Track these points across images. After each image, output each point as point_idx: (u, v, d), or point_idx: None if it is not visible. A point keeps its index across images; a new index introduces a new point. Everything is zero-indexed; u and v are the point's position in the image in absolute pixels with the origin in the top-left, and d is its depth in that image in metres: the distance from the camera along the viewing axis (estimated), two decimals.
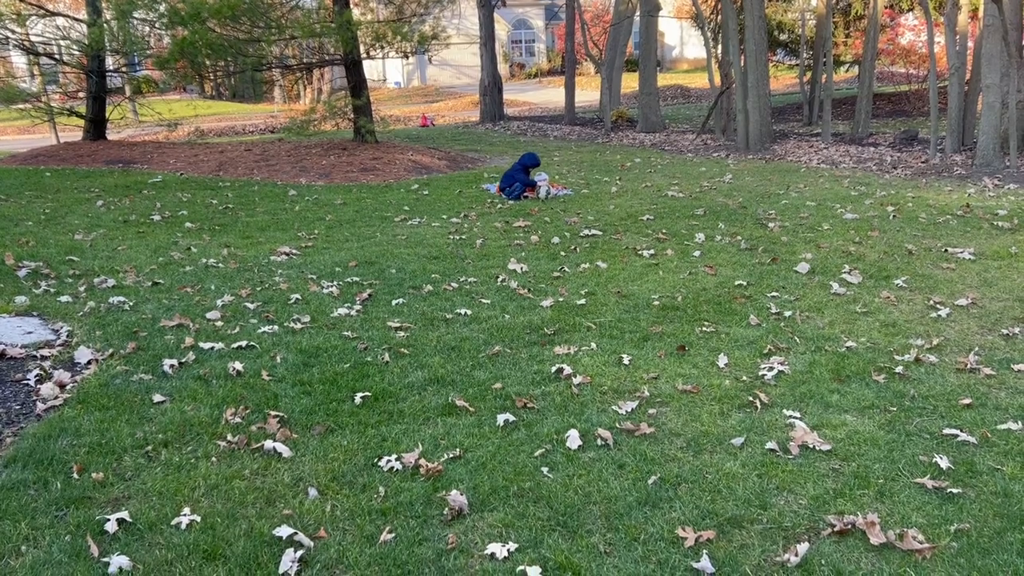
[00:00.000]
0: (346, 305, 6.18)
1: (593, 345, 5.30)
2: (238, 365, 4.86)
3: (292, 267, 7.43)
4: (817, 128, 19.92)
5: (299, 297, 6.40)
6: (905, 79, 27.11)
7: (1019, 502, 3.32)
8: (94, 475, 3.58)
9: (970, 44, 16.20)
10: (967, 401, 4.31)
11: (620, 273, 7.13)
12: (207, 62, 16.42)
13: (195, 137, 21.84)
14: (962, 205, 9.81)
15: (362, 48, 16.04)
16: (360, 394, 4.47)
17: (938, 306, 5.95)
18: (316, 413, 4.27)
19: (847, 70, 30.78)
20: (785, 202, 10.42)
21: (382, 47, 16.06)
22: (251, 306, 6.15)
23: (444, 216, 10.02)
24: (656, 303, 6.20)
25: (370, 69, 40.74)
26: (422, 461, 3.70)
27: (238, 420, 4.16)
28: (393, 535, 3.16)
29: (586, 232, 8.83)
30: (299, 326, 5.69)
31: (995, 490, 3.43)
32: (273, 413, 4.21)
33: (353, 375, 4.79)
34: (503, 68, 40.49)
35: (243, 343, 5.29)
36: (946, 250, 7.61)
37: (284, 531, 3.14)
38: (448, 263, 7.60)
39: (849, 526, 3.15)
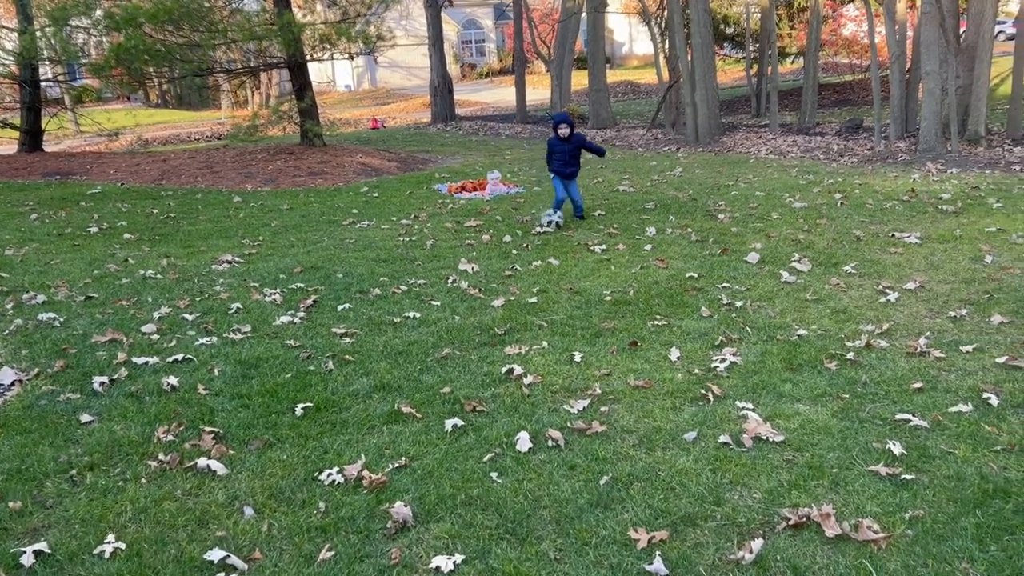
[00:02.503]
0: (289, 312, 5.99)
1: (545, 344, 5.19)
2: (173, 380, 4.65)
3: (234, 275, 7.19)
4: (765, 119, 20.11)
5: (240, 306, 6.18)
6: (849, 69, 27.58)
7: (972, 485, 3.29)
8: (11, 504, 3.36)
9: (909, 33, 16.48)
10: (918, 385, 4.28)
11: (572, 269, 7.04)
12: (146, 68, 15.97)
13: (137, 146, 21.27)
14: (907, 190, 9.92)
15: (306, 50, 15.75)
16: (301, 405, 4.29)
17: (887, 291, 5.95)
18: (254, 427, 4.08)
19: (792, 61, 31.20)
20: (735, 193, 10.44)
21: (326, 49, 15.78)
22: (189, 317, 5.92)
23: (394, 218, 9.84)
24: (608, 298, 6.11)
25: (319, 72, 40.28)
26: (365, 473, 3.54)
27: (171, 438, 3.96)
28: (333, 553, 3.00)
29: (538, 229, 8.72)
30: (239, 336, 5.48)
31: (948, 474, 3.39)
32: (208, 429, 4.02)
33: (294, 385, 4.60)
34: (453, 68, 40.30)
35: (179, 356, 5.07)
36: (893, 235, 7.66)
37: (216, 554, 2.96)
38: (397, 265, 7.43)
39: (804, 519, 3.07)
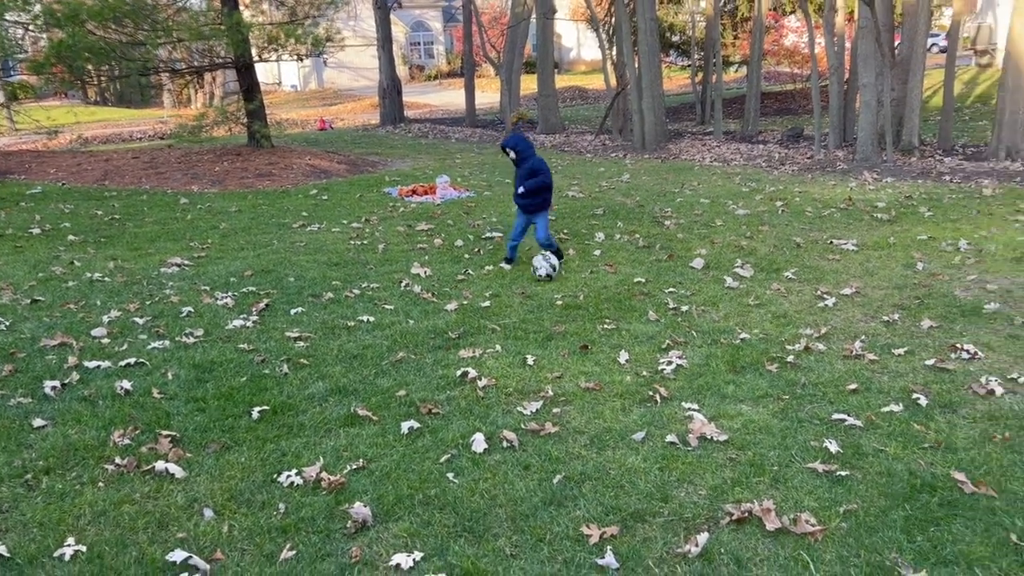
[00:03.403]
0: (242, 316, 5.99)
1: (498, 347, 5.30)
2: (126, 384, 4.63)
3: (184, 278, 7.14)
4: (709, 127, 20.56)
5: (192, 310, 6.16)
6: (790, 79, 28.34)
7: (901, 481, 3.50)
8: None
9: (847, 45, 17.05)
10: (853, 386, 4.51)
11: (524, 274, 7.16)
12: (88, 66, 15.62)
13: (78, 145, 20.76)
14: (845, 198, 10.30)
15: (254, 51, 15.60)
16: (258, 408, 4.32)
17: (825, 296, 6.21)
18: (211, 430, 4.11)
19: (736, 70, 31.90)
20: (680, 200, 10.70)
21: (275, 49, 15.64)
22: (140, 321, 5.88)
23: (344, 221, 9.85)
24: (559, 303, 6.25)
25: (265, 72, 39.74)
26: (324, 474, 3.61)
27: (127, 442, 3.96)
28: (294, 552, 3.07)
29: (489, 234, 8.83)
30: (192, 340, 5.47)
31: (880, 470, 3.60)
32: (165, 432, 4.03)
33: (250, 389, 4.63)
34: (402, 70, 40.19)
35: (132, 360, 5.05)
36: (831, 242, 7.97)
37: (178, 555, 3.00)
38: (349, 269, 7.47)
39: (746, 514, 3.24)
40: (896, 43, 15.53)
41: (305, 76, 47.02)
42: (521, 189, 7.14)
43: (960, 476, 3.49)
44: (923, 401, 4.28)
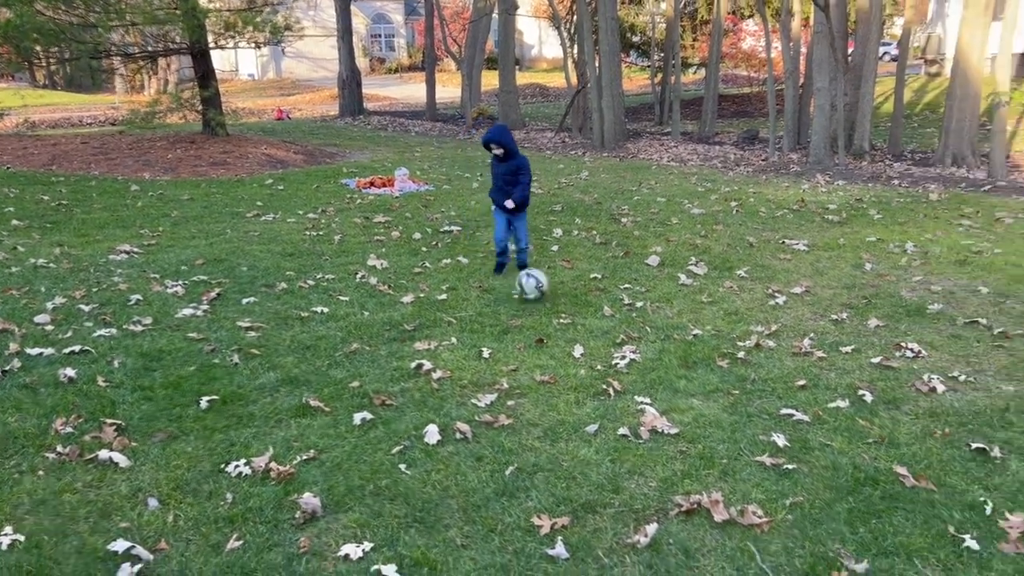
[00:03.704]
0: (192, 305, 5.88)
1: (453, 340, 5.28)
2: (70, 371, 4.52)
3: (133, 266, 6.99)
4: (667, 127, 20.77)
5: (140, 298, 6.03)
6: (747, 82, 28.74)
7: (846, 474, 3.57)
8: None
9: (803, 50, 17.35)
10: (802, 383, 4.60)
11: (481, 268, 7.16)
12: (36, 48, 15.17)
13: (25, 129, 20.16)
14: (797, 200, 10.48)
15: (210, 37, 15.31)
16: (207, 398, 4.25)
17: (776, 294, 6.32)
18: (158, 419, 4.03)
19: (695, 72, 32.27)
20: (637, 198, 10.79)
21: (232, 37, 15.37)
22: (86, 308, 5.74)
23: (300, 212, 9.73)
24: (516, 297, 6.26)
25: (221, 60, 39.09)
26: (273, 465, 3.56)
27: (69, 430, 3.87)
28: (241, 542, 3.02)
29: (447, 228, 8.81)
30: (140, 328, 5.36)
31: (825, 464, 3.67)
32: (109, 421, 3.94)
33: (199, 378, 4.55)
34: (362, 62, 39.85)
35: (76, 348, 4.92)
36: (783, 242, 8.11)
37: (120, 545, 2.94)
38: (304, 260, 7.38)
39: (695, 505, 3.28)
40: (850, 50, 15.85)
41: (263, 65, 46.34)
42: (510, 203, 6.54)
43: (902, 470, 3.57)
44: (868, 398, 4.38)
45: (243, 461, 3.59)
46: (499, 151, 6.54)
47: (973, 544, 3.04)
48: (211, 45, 15.60)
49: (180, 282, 6.48)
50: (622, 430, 3.98)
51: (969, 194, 10.85)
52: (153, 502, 3.27)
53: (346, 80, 25.69)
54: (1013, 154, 14.01)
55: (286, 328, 5.48)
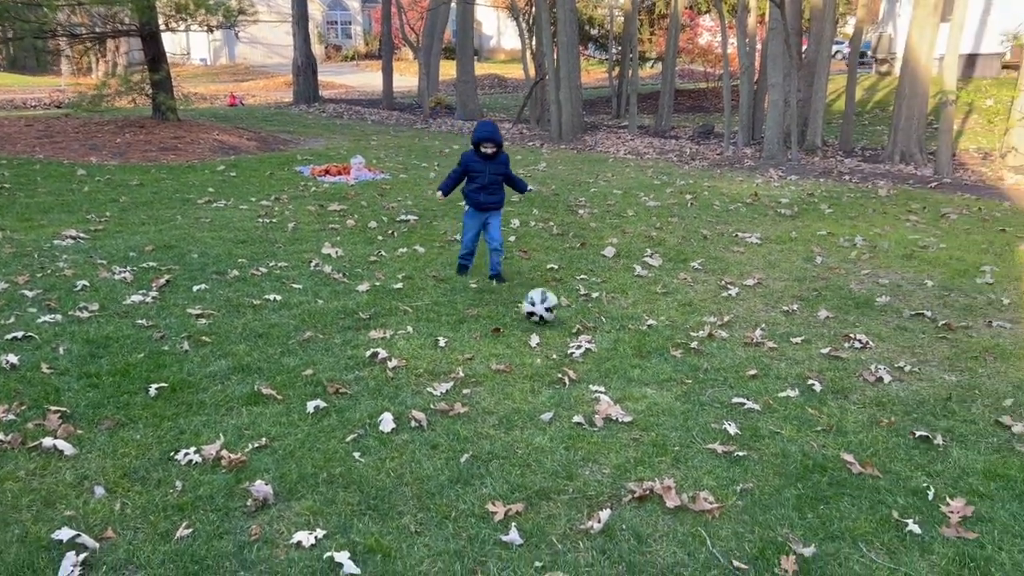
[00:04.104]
0: (141, 292, 5.75)
1: (409, 328, 5.25)
2: (12, 358, 4.39)
3: (79, 252, 6.81)
4: (625, 121, 20.89)
5: (87, 284, 5.88)
6: (703, 77, 29.03)
7: (795, 462, 3.64)
8: None
9: (759, 46, 17.58)
10: (753, 372, 4.67)
11: (438, 257, 7.13)
12: None
13: None
14: (751, 194, 10.64)
15: (161, 19, 14.96)
16: (155, 385, 4.16)
17: (729, 286, 6.41)
18: (104, 407, 3.94)
19: (652, 66, 32.50)
20: (594, 190, 10.84)
21: (183, 19, 15.04)
22: (29, 294, 5.57)
23: (253, 199, 9.58)
24: (473, 286, 6.25)
25: (172, 44, 38.23)
26: (224, 452, 3.51)
27: (12, 417, 3.76)
28: (191, 530, 2.97)
29: (404, 217, 8.75)
30: (86, 315, 5.22)
31: (775, 451, 3.74)
32: (54, 408, 3.84)
33: (148, 365, 4.46)
34: (318, 49, 39.30)
35: (19, 334, 4.78)
36: (736, 235, 8.22)
37: (65, 534, 2.87)
38: (257, 247, 7.27)
39: (648, 491, 3.31)
40: (804, 47, 16.12)
41: (216, 50, 45.43)
42: (531, 188, 6.41)
43: (849, 457, 3.66)
44: (817, 387, 4.47)
45: (193, 449, 3.53)
46: (491, 149, 6.16)
47: (916, 528, 3.12)
48: (162, 27, 15.24)
49: (128, 268, 6.34)
50: (577, 418, 4.00)
51: (916, 190, 11.12)
52: (99, 490, 3.20)
53: (301, 67, 25.33)
54: (959, 152, 14.39)
55: (238, 316, 5.39)
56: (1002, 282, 6.58)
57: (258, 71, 39.99)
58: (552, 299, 5.41)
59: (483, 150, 6.16)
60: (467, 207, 6.37)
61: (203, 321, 5.24)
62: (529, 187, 6.70)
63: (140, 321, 5.16)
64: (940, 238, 8.10)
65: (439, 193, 6.39)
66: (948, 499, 3.33)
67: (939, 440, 3.85)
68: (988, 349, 5.10)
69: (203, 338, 4.92)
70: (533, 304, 5.38)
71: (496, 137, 6.16)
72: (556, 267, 6.86)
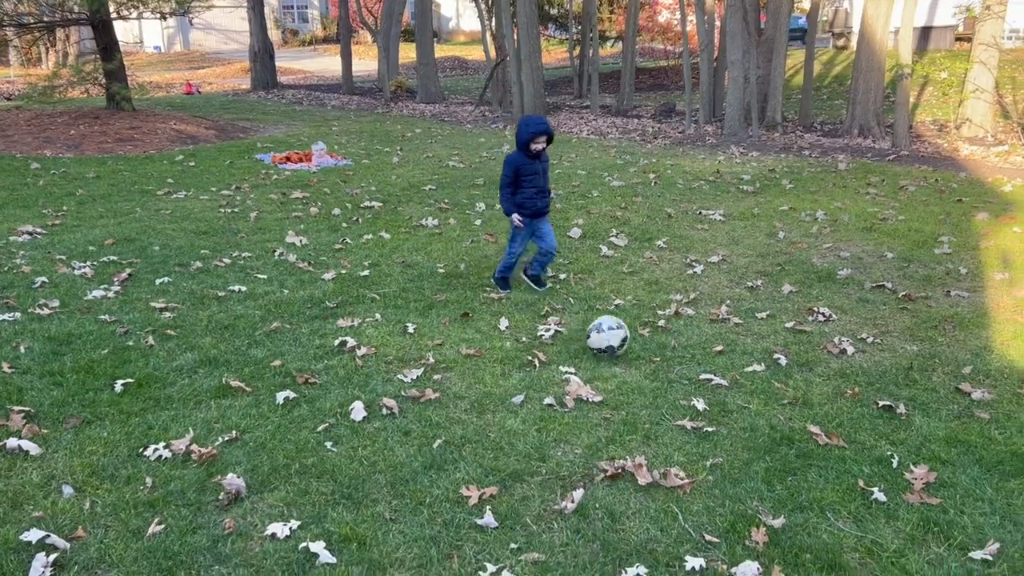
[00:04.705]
0: (102, 287, 5.65)
1: (377, 316, 5.24)
2: None
3: (36, 247, 6.67)
4: (587, 101, 20.89)
5: (46, 280, 5.76)
6: (664, 55, 29.10)
7: (763, 435, 3.71)
8: None
9: (718, 23, 17.65)
10: (719, 348, 4.73)
11: (404, 243, 7.09)
12: None
13: None
14: (713, 171, 10.72)
15: (112, 6, 14.60)
16: (121, 381, 4.11)
17: (694, 264, 6.47)
18: (69, 405, 3.88)
19: (612, 45, 32.46)
20: (559, 171, 10.84)
21: (135, 6, 14.70)
22: None
23: (214, 188, 9.44)
24: (441, 271, 6.24)
25: (124, 31, 37.39)
26: (194, 447, 3.48)
27: None
28: (163, 527, 2.95)
29: (368, 203, 8.68)
30: (47, 312, 5.13)
31: (743, 426, 3.80)
32: (17, 408, 3.77)
33: (112, 361, 4.39)
34: (275, 34, 38.68)
35: None
36: (700, 212, 8.29)
37: (34, 535, 2.83)
38: (219, 238, 7.17)
39: (620, 470, 3.35)
40: (762, 23, 16.22)
41: (170, 37, 44.48)
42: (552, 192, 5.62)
43: (815, 429, 3.73)
44: (783, 361, 4.54)
45: (162, 444, 3.49)
46: (544, 144, 5.39)
47: (881, 496, 3.20)
48: (113, 15, 14.88)
49: (88, 263, 6.22)
50: (548, 400, 4.03)
51: (875, 163, 11.29)
52: (68, 490, 3.16)
53: (258, 53, 24.91)
54: (915, 124, 14.62)
55: (203, 308, 5.33)
56: (959, 252, 6.72)
57: (214, 58, 39.26)
58: (618, 334, 4.54)
59: (534, 147, 5.36)
60: (517, 221, 5.55)
61: (167, 314, 5.17)
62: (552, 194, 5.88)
63: (103, 316, 5.08)
64: (899, 210, 8.25)
65: (516, 217, 5.50)
66: (911, 466, 3.41)
67: (902, 409, 3.94)
68: (947, 318, 5.22)
69: (168, 332, 4.86)
70: (609, 343, 4.52)
71: (550, 129, 5.39)
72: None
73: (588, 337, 4.61)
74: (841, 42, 25.11)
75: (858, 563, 2.82)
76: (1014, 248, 6.76)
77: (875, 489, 3.24)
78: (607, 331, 4.55)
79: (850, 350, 4.70)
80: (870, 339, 4.87)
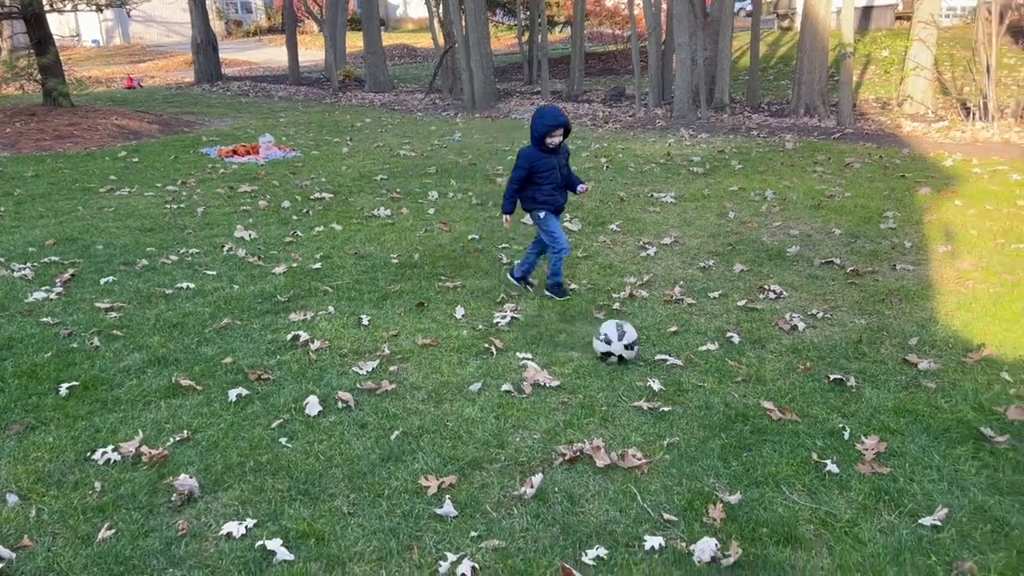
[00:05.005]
0: (44, 288, 5.49)
1: (331, 309, 5.17)
2: None
3: None
4: (537, 86, 20.85)
5: None
6: (612, 39, 29.19)
7: (718, 413, 3.75)
8: None
9: (664, 6, 17.73)
10: (674, 329, 4.77)
11: (356, 235, 7.01)
12: None
13: None
14: (664, 154, 10.79)
15: None
16: (66, 385, 4.00)
17: (647, 246, 6.50)
18: (11, 411, 3.76)
19: (561, 31, 32.46)
20: (511, 158, 10.80)
21: None
22: None
23: (159, 184, 9.22)
24: (395, 261, 6.18)
25: (60, 25, 36.22)
26: (144, 448, 3.40)
27: None
28: (113, 531, 2.87)
29: (318, 195, 8.56)
30: None
31: (699, 404, 3.84)
32: None
33: (56, 364, 4.27)
34: (218, 25, 37.90)
35: None
36: (652, 195, 8.34)
37: None
38: (166, 235, 7.01)
39: (578, 453, 3.36)
40: (708, 5, 16.33)
41: (108, 30, 43.29)
42: (583, 187, 5.32)
43: (769, 405, 3.78)
44: (736, 339, 4.60)
45: (111, 447, 3.41)
46: (561, 137, 5.03)
47: (834, 468, 3.26)
48: (46, 7, 14.41)
49: (28, 265, 6.04)
50: (505, 386, 4.02)
51: (821, 142, 11.47)
52: (12, 498, 3.06)
53: (201, 44, 24.38)
54: (859, 103, 14.88)
55: (150, 307, 5.20)
56: (904, 226, 6.87)
57: (156, 51, 38.33)
58: (632, 333, 4.31)
59: (550, 141, 5.01)
60: (542, 213, 5.21)
61: (113, 315, 5.04)
62: (581, 185, 5.36)
63: (45, 319, 4.93)
64: (845, 187, 8.39)
65: (506, 217, 5.29)
66: (862, 438, 3.48)
67: (852, 382, 4.02)
68: (894, 291, 5.33)
69: (114, 332, 4.74)
70: (608, 343, 4.28)
71: (567, 121, 5.01)
72: (477, 237, 6.84)
73: (609, 342, 4.28)
74: (786, 23, 25.43)
75: (813, 534, 2.87)
76: (956, 221, 6.93)
77: (828, 461, 3.29)
78: (616, 341, 4.25)
79: (801, 326, 4.77)
80: (820, 314, 4.95)
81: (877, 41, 20.04)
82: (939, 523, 2.90)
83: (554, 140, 5.01)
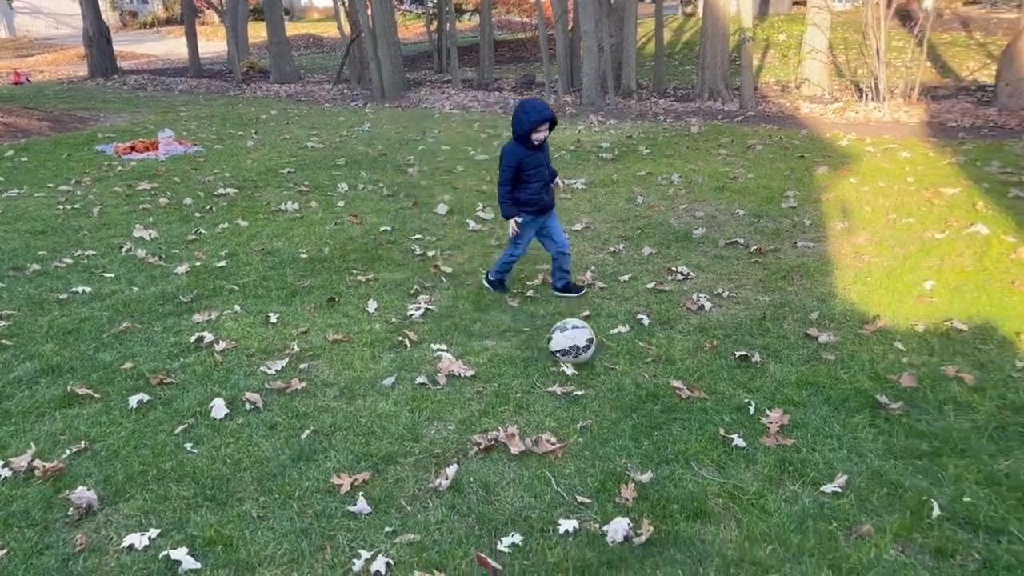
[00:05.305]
0: None
1: (237, 307, 5.02)
2: None
3: None
4: (447, 75, 20.72)
5: None
6: (521, 27, 29.26)
7: (629, 394, 3.81)
8: None
9: None
10: (586, 313, 4.82)
11: (263, 230, 6.83)
12: None
13: None
14: (574, 141, 10.88)
15: None
16: None
17: None
18: None
19: (470, 18, 32.36)
20: (422, 147, 10.72)
21: None
22: None
23: (50, 184, 8.77)
24: (304, 256, 6.05)
25: None
26: (37, 462, 3.23)
27: None
28: (5, 551, 2.73)
29: (223, 190, 8.30)
30: None
31: (611, 386, 3.89)
32: None
33: None
34: (112, 16, 36.30)
35: None
36: (563, 182, 8.39)
37: None
38: (59, 237, 6.68)
39: (493, 442, 3.36)
40: None
41: None
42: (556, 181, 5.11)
43: (678, 384, 3.86)
44: (646, 321, 4.67)
45: (0, 463, 3.22)
46: (547, 132, 4.78)
47: (740, 442, 3.35)
48: None
49: None
50: (420, 379, 3.98)
51: (725, 125, 11.76)
52: None
53: (93, 37, 23.30)
54: (760, 86, 15.32)
55: (42, 313, 4.95)
56: (803, 205, 7.10)
57: (44, 44, 36.42)
58: (583, 333, 4.13)
59: (536, 137, 4.75)
60: (523, 218, 4.96)
61: (1, 323, 4.78)
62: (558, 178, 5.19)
63: None
64: (748, 168, 8.62)
65: (514, 222, 4.92)
66: (767, 411, 3.59)
67: (757, 358, 4.14)
68: (795, 268, 5.51)
69: (3, 342, 4.50)
70: (577, 355, 4.11)
71: (553, 115, 4.75)
72: (389, 229, 6.76)
73: (550, 340, 4.18)
74: (689, 9, 25.98)
75: (722, 508, 2.95)
76: (852, 198, 7.21)
77: (735, 436, 3.39)
78: (571, 329, 4.13)
79: (707, 305, 4.88)
80: (726, 293, 5.08)
81: (775, 26, 20.67)
82: (839, 490, 3.02)
83: (540, 136, 4.75)
